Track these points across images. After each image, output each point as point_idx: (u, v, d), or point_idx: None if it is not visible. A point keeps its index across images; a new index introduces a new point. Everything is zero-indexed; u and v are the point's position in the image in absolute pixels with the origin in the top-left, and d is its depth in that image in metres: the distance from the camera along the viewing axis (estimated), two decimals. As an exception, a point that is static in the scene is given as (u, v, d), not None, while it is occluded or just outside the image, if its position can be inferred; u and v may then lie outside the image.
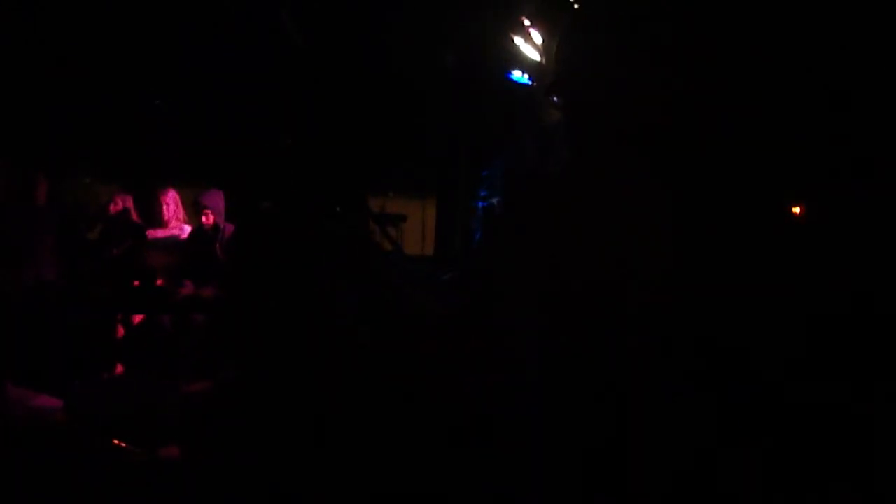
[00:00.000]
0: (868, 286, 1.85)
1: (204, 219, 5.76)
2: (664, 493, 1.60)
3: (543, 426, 1.66)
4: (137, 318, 5.57)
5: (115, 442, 3.53)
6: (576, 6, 4.85)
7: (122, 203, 6.09)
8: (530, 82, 6.34)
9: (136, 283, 5.64)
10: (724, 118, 1.76)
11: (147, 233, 5.93)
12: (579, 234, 1.63)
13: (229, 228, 5.75)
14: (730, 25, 1.79)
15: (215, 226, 5.74)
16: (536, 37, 6.02)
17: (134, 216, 6.09)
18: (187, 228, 5.99)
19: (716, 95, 1.74)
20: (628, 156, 1.64)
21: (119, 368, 5.31)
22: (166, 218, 5.98)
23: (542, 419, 1.66)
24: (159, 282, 5.68)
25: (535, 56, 6.11)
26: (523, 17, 6.01)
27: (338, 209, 5.05)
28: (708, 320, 1.66)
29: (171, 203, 6.02)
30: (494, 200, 6.54)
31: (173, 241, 5.93)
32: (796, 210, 2.00)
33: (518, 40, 6.18)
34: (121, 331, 5.55)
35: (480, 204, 6.94)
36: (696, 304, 1.62)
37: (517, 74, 6.37)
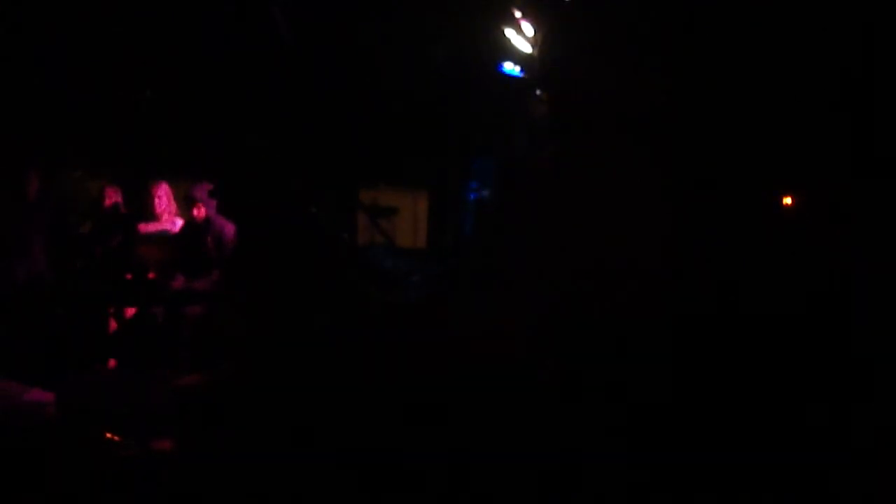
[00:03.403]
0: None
1: (196, 212, 5.76)
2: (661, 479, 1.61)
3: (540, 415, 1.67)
4: (129, 311, 5.56)
5: (108, 435, 3.53)
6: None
7: (114, 197, 6.08)
8: (522, 74, 6.34)
9: (128, 276, 5.64)
10: (716, 110, 1.77)
11: (139, 226, 5.92)
12: (575, 223, 1.64)
13: (220, 222, 5.74)
14: (721, 22, 1.80)
15: (207, 219, 5.74)
16: (528, 29, 6.01)
17: (125, 210, 6.08)
18: (179, 222, 5.99)
19: (707, 88, 1.75)
20: (619, 146, 1.65)
21: (111, 362, 5.30)
22: (158, 211, 5.97)
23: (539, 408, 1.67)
24: (151, 275, 5.67)
25: (526, 48, 6.10)
26: (514, 9, 6.00)
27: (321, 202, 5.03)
28: (702, 304, 1.67)
29: (163, 196, 6.01)
30: (486, 192, 6.54)
31: (165, 235, 5.92)
32: (787, 201, 2.00)
33: (509, 32, 6.17)
34: (113, 324, 5.54)
35: (472, 196, 6.94)
36: (692, 288, 1.63)
37: (509, 67, 6.37)
